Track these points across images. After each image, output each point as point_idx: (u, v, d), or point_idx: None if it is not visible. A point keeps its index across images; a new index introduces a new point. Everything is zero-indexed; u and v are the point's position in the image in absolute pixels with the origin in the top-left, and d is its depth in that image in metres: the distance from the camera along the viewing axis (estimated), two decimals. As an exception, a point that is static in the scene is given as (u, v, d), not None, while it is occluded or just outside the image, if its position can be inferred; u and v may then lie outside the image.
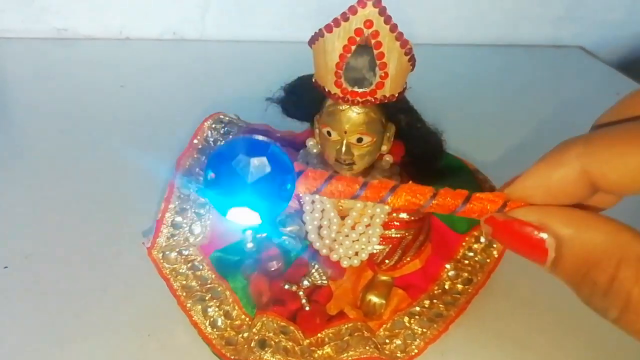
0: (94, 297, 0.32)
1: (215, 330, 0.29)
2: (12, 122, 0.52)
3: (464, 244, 0.35)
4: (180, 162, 0.33)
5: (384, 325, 0.30)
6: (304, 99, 0.29)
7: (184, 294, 0.29)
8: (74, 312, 0.31)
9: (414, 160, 0.30)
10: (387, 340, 0.30)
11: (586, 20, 0.76)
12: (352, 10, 0.22)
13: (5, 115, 0.54)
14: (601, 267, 0.17)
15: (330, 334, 0.29)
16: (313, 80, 0.27)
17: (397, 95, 0.26)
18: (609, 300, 0.17)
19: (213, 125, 0.34)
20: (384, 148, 0.28)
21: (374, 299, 0.31)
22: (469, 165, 0.36)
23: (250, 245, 0.23)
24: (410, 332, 0.30)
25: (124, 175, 0.43)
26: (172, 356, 0.29)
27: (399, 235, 0.29)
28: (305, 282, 0.29)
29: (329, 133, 0.27)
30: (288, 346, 0.27)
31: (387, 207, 0.29)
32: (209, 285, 0.30)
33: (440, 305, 0.31)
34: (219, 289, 0.30)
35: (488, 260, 0.34)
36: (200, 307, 0.29)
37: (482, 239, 0.35)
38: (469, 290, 0.33)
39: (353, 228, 0.29)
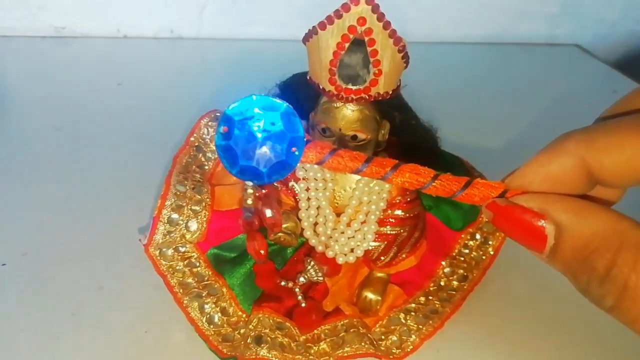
0: (90, 294, 0.32)
1: (212, 326, 0.29)
2: (9, 120, 0.52)
3: (459, 240, 0.35)
4: (177, 160, 0.33)
5: (380, 322, 0.31)
6: (299, 96, 0.29)
7: (181, 290, 0.29)
8: (71, 309, 0.31)
9: (408, 158, 0.30)
10: (383, 337, 0.30)
11: (582, 18, 0.76)
12: (345, 7, 0.22)
13: (1, 113, 0.54)
14: (600, 254, 0.17)
15: (326, 330, 0.29)
16: (308, 77, 0.27)
17: (391, 92, 0.26)
18: (606, 287, 0.17)
19: (209, 123, 0.34)
20: (379, 144, 0.29)
21: (370, 295, 0.31)
22: (465, 162, 0.36)
23: (249, 202, 0.23)
24: (405, 328, 0.30)
25: (121, 172, 0.44)
26: (169, 353, 0.29)
27: (394, 232, 0.30)
28: (301, 279, 0.30)
29: (324, 130, 0.27)
30: (284, 342, 0.28)
31: (382, 204, 0.29)
32: (205, 282, 0.30)
33: (436, 302, 0.32)
34: (216, 286, 0.30)
35: (484, 257, 0.34)
36: (197, 303, 0.29)
37: (478, 236, 0.35)
38: (465, 287, 0.33)
39: (349, 225, 0.29)
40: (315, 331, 0.29)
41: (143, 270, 0.34)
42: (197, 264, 0.31)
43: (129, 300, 0.32)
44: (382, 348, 0.29)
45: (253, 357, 0.27)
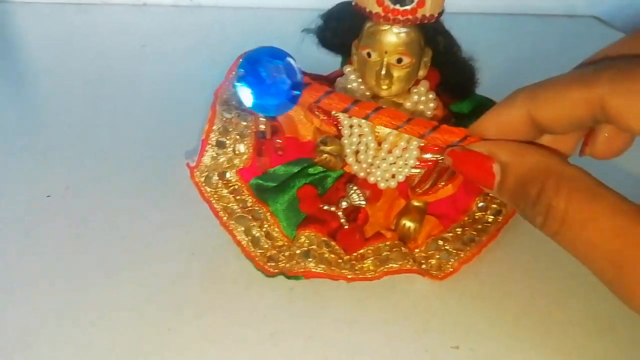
0: (136, 224, 0.33)
1: (257, 248, 0.30)
2: (39, 78, 0.53)
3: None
4: (218, 94, 0.34)
5: (419, 248, 0.31)
6: (343, 24, 0.30)
7: (226, 215, 0.30)
8: (119, 236, 0.32)
9: (447, 88, 0.31)
10: (423, 261, 0.31)
11: (601, -12, 0.76)
12: None
13: (31, 73, 0.55)
14: (532, 183, 0.21)
15: (370, 251, 0.30)
16: (353, 3, 0.28)
17: (436, 16, 0.27)
18: (536, 209, 0.21)
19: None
20: (421, 73, 0.29)
21: (408, 223, 0.31)
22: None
23: (262, 127, 0.28)
24: (445, 252, 0.31)
25: (156, 118, 0.45)
26: (218, 272, 0.30)
27: (434, 159, 0.30)
28: (344, 204, 0.30)
29: (368, 54, 0.28)
30: (330, 258, 0.28)
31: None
32: (249, 208, 0.31)
33: (472, 232, 0.32)
34: (260, 212, 0.31)
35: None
36: (242, 227, 0.30)
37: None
38: (499, 220, 0.34)
39: (390, 152, 0.30)
40: (360, 251, 0.30)
41: (185, 202, 0.35)
42: (241, 192, 0.31)
43: (174, 228, 0.33)
44: (424, 266, 0.30)
45: (301, 270, 0.28)
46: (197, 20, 0.72)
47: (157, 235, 0.33)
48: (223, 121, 0.30)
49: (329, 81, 0.34)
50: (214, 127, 0.30)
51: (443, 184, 0.31)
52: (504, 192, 0.22)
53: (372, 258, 0.29)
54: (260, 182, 0.32)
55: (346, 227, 0.30)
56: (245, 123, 0.31)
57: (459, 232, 0.33)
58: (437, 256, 0.31)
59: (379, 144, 0.30)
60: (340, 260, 0.29)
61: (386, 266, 0.29)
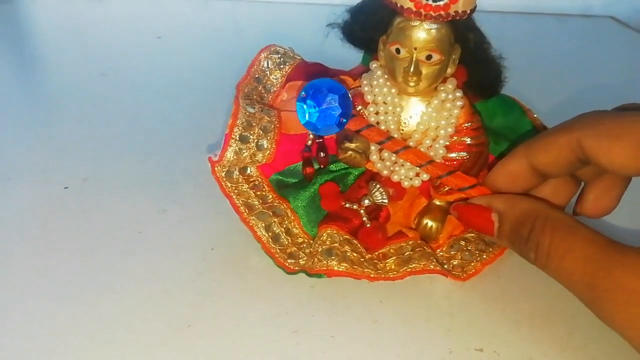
0: (153, 216, 0.33)
1: (277, 245, 0.29)
2: (57, 68, 0.53)
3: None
4: (240, 87, 0.33)
5: (441, 248, 0.31)
6: (371, 18, 0.29)
7: (247, 210, 0.30)
8: (137, 228, 0.32)
9: (473, 86, 0.31)
10: (445, 261, 0.30)
11: (618, -11, 0.75)
12: None
13: (48, 63, 0.54)
14: (524, 225, 0.25)
15: (392, 250, 0.29)
16: (383, -2, 0.28)
17: (468, 12, 0.27)
18: (528, 246, 0.25)
19: (270, 56, 0.35)
20: (449, 71, 0.29)
21: (430, 222, 0.31)
22: (521, 104, 0.36)
23: (309, 143, 0.31)
24: (467, 253, 0.30)
25: (175, 104, 0.45)
26: (237, 268, 0.30)
27: (459, 158, 0.30)
28: (366, 202, 0.30)
29: (397, 50, 0.28)
30: (353, 257, 0.28)
31: (450, 129, 0.29)
32: (270, 204, 0.30)
33: (494, 233, 0.32)
34: (281, 207, 0.31)
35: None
36: (262, 223, 0.30)
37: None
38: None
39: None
40: (382, 250, 0.29)
41: (204, 197, 0.34)
42: (262, 187, 0.31)
43: (193, 222, 0.33)
44: (446, 267, 0.29)
45: (323, 269, 0.28)
46: (213, 11, 0.72)
47: (176, 229, 0.32)
48: (246, 116, 0.30)
49: (352, 77, 0.33)
50: (237, 122, 0.29)
51: (467, 183, 0.31)
52: (503, 236, 0.26)
53: (394, 257, 0.29)
54: (281, 177, 0.32)
55: (368, 225, 0.30)
56: (268, 118, 0.30)
57: (480, 233, 0.32)
58: (460, 257, 0.30)
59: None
60: (362, 259, 0.28)
61: (409, 266, 0.29)
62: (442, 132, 0.29)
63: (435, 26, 0.27)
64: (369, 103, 0.30)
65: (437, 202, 0.32)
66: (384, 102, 0.29)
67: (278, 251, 0.29)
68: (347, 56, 0.33)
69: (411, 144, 0.29)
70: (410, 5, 0.26)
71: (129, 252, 0.30)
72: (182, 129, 0.42)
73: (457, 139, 0.30)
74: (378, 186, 0.30)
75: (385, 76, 0.29)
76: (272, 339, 0.26)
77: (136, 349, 0.25)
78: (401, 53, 0.27)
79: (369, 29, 0.30)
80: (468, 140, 0.30)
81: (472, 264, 0.30)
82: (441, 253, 0.31)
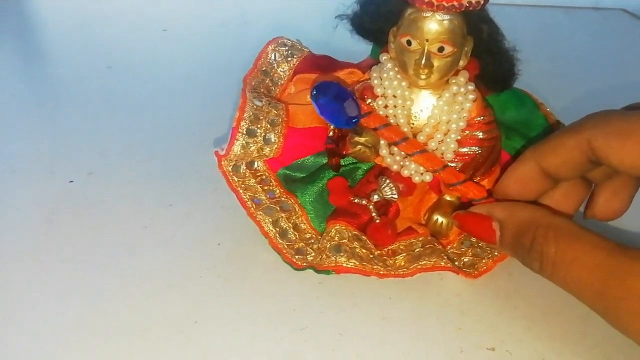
0: (160, 210, 0.33)
1: (285, 240, 0.29)
2: (62, 61, 0.53)
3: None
4: (247, 80, 0.33)
5: (451, 244, 0.30)
6: (381, 9, 0.28)
7: (254, 205, 0.29)
8: (141, 227, 0.32)
9: (486, 79, 0.30)
10: (455, 258, 0.30)
11: (630, -19, 0.74)
12: None
13: (57, 58, 0.54)
14: (526, 234, 0.24)
15: (402, 247, 0.29)
16: (394, -12, 0.27)
17: (482, 2, 0.26)
18: (532, 256, 0.24)
19: (277, 48, 0.34)
20: (461, 63, 0.28)
21: (440, 218, 0.30)
22: (533, 97, 0.35)
23: (331, 134, 0.30)
24: (478, 249, 0.30)
25: (181, 97, 0.44)
26: (244, 263, 0.29)
27: (471, 153, 0.29)
28: (376, 197, 0.29)
29: (408, 42, 0.27)
30: (362, 253, 0.28)
31: (462, 123, 0.29)
32: (277, 199, 0.30)
33: (506, 229, 0.31)
34: (288, 202, 0.30)
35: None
36: (270, 218, 0.29)
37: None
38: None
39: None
40: (391, 246, 0.29)
41: (210, 192, 0.34)
42: (269, 182, 0.31)
43: (199, 217, 0.32)
44: (457, 264, 0.29)
45: (332, 265, 0.27)
46: (219, 3, 0.71)
47: (182, 224, 0.32)
48: (254, 109, 0.29)
49: (361, 69, 0.33)
50: (244, 115, 0.29)
51: (479, 179, 0.30)
52: (506, 245, 0.26)
53: (404, 254, 0.29)
54: (288, 172, 0.31)
55: (377, 221, 0.29)
56: (276, 111, 0.30)
57: (492, 229, 0.31)
58: (471, 253, 0.30)
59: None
60: (371, 256, 0.28)
61: (419, 263, 0.28)
62: (453, 126, 0.29)
63: (448, 17, 0.26)
64: (378, 96, 0.29)
65: (448, 198, 0.31)
66: (393, 95, 0.29)
67: (285, 247, 0.29)
68: (355, 48, 0.32)
69: (422, 138, 0.29)
70: (422, -5, 0.25)
71: (134, 247, 0.30)
72: (188, 122, 0.42)
73: (469, 133, 0.29)
74: (388, 181, 0.29)
75: (396, 69, 0.29)
76: (279, 336, 0.25)
77: (142, 345, 0.24)
78: (412, 45, 0.27)
79: (378, 20, 0.29)
80: (480, 135, 0.29)
81: (484, 261, 0.30)
82: (452, 249, 0.30)
